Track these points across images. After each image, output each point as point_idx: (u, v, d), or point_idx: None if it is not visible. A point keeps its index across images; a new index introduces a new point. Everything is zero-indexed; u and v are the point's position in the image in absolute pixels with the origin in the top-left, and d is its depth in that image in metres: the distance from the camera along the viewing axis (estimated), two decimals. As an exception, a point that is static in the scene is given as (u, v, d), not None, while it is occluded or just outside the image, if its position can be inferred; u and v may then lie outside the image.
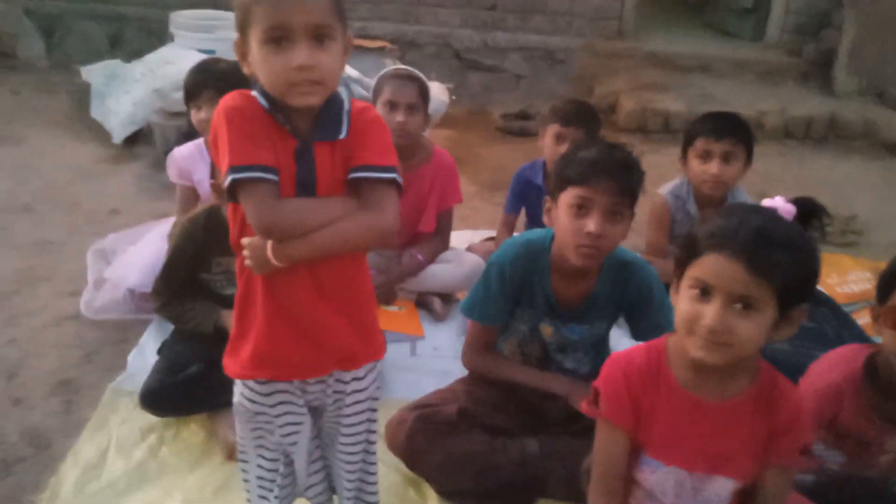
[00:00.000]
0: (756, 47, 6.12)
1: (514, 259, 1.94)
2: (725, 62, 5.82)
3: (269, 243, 1.29)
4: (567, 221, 1.81)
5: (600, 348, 2.10)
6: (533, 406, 2.06)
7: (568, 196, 1.81)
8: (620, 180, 1.76)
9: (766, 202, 1.33)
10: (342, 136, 1.33)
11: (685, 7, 7.59)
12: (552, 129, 2.73)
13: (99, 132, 4.31)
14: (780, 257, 1.20)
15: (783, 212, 1.31)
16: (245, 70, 1.32)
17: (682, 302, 1.29)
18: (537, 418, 2.06)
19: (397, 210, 1.34)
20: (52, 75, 5.35)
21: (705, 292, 1.25)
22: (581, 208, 1.78)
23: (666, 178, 2.91)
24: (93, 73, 4.61)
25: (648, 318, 1.96)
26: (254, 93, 1.32)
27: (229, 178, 1.25)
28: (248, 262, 1.34)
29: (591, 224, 1.76)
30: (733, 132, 2.52)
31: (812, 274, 1.27)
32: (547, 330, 2.03)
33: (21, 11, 5.52)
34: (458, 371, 2.28)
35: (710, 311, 1.23)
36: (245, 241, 1.34)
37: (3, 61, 5.48)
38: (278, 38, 1.23)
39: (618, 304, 1.99)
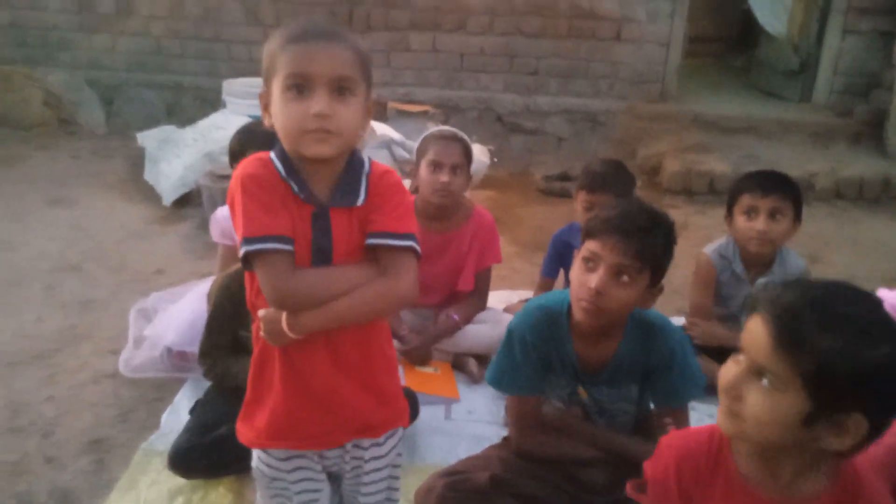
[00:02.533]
0: (804, 108, 6.04)
1: (533, 325, 1.87)
2: (772, 123, 5.75)
3: (285, 315, 1.27)
4: (576, 274, 1.77)
5: (644, 413, 2.01)
6: (571, 473, 1.97)
7: (582, 249, 1.77)
8: (633, 240, 1.68)
9: (884, 294, 1.19)
10: (359, 203, 1.32)
11: (729, 70, 7.58)
12: (580, 195, 2.71)
13: (150, 194, 4.44)
14: (814, 336, 1.04)
15: (890, 307, 1.15)
16: (266, 122, 1.32)
17: (729, 364, 1.18)
18: (575, 486, 1.96)
19: (415, 277, 1.32)
20: (110, 141, 5.58)
21: (741, 357, 1.15)
22: (589, 262, 1.74)
23: (712, 240, 2.83)
24: (147, 139, 4.79)
25: (666, 382, 1.86)
26: (272, 155, 1.32)
27: (243, 249, 1.24)
28: (263, 333, 1.32)
29: (594, 280, 1.70)
30: (780, 188, 2.45)
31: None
32: (584, 393, 1.96)
33: (83, 81, 5.81)
34: (494, 436, 2.22)
35: (731, 370, 1.14)
36: (260, 312, 1.33)
37: (65, 128, 5.74)
38: (300, 86, 1.24)
39: (643, 367, 1.90)
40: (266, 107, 1.32)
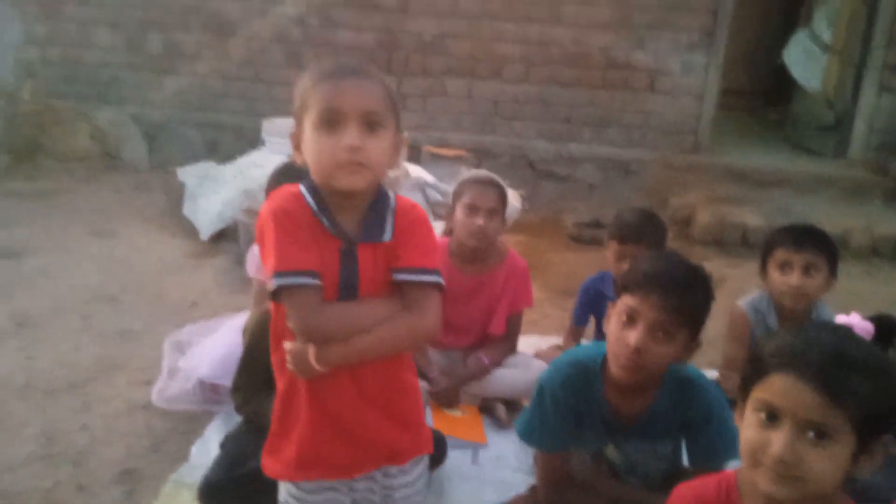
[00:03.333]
0: (838, 164, 6.01)
1: (564, 381, 1.86)
2: (806, 177, 5.73)
3: (312, 348, 1.30)
4: (614, 330, 1.76)
5: (676, 470, 1.98)
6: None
7: (620, 304, 1.76)
8: (673, 297, 1.67)
9: (841, 318, 1.23)
10: (386, 239, 1.35)
11: (763, 123, 7.59)
12: (612, 245, 2.72)
13: (188, 229, 4.54)
14: (858, 381, 1.08)
15: (860, 330, 1.20)
16: (298, 160, 1.37)
17: (747, 428, 1.17)
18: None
19: (439, 312, 1.35)
20: (151, 176, 5.72)
21: (772, 417, 1.13)
22: (629, 319, 1.72)
23: (744, 293, 2.82)
24: (188, 174, 4.91)
25: (704, 440, 1.84)
26: (302, 189, 1.35)
27: (274, 283, 1.28)
28: (290, 366, 1.35)
29: (633, 337, 1.69)
30: (815, 243, 2.44)
31: (893, 400, 1.13)
32: (612, 453, 1.94)
33: (129, 118, 5.99)
34: (521, 483, 2.20)
35: (777, 439, 1.11)
36: (287, 345, 1.35)
37: (109, 162, 5.91)
38: (331, 121, 1.28)
39: (679, 422, 1.88)
40: (297, 146, 1.36)
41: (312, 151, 1.30)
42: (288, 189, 1.36)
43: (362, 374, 1.37)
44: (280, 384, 1.42)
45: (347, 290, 1.33)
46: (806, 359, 1.11)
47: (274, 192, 1.36)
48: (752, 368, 1.19)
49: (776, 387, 1.13)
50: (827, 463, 1.10)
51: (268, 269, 1.30)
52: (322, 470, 1.42)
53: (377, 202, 1.36)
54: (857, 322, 1.20)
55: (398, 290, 1.36)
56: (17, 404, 2.66)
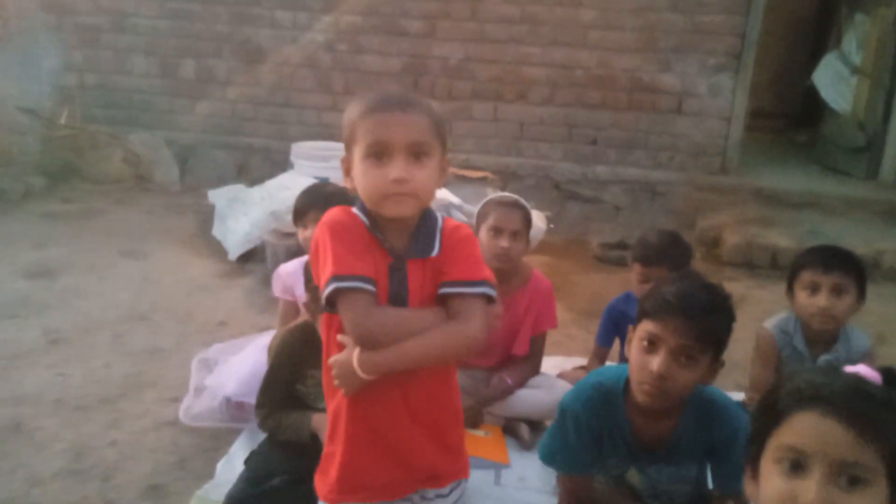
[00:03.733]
0: (870, 185, 5.93)
1: (586, 404, 1.85)
2: (837, 199, 5.65)
3: (356, 354, 1.32)
4: (636, 356, 1.75)
5: (701, 493, 1.96)
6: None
7: (640, 329, 1.75)
8: (695, 322, 1.65)
9: (848, 369, 1.18)
10: (434, 253, 1.38)
11: (792, 145, 7.52)
12: (636, 267, 2.71)
13: (217, 250, 4.61)
14: (886, 415, 1.00)
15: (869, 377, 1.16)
16: (348, 184, 1.42)
17: (770, 482, 1.04)
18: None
19: (484, 321, 1.36)
20: (182, 198, 5.83)
21: (797, 466, 1.01)
22: (651, 344, 1.70)
23: (773, 314, 2.78)
24: (218, 196, 4.99)
25: (730, 464, 1.80)
26: (354, 209, 1.40)
27: (331, 287, 1.31)
28: (335, 378, 1.37)
29: (656, 363, 1.67)
30: (843, 265, 2.40)
31: None
32: (634, 477, 1.92)
33: (162, 141, 6.12)
34: (544, 505, 2.19)
35: (808, 489, 0.98)
36: (332, 359, 1.38)
37: (142, 184, 6.04)
38: (379, 153, 1.33)
39: (704, 445, 1.85)
40: (347, 171, 1.41)
41: (361, 181, 1.36)
42: (342, 207, 1.42)
43: (414, 394, 1.40)
44: (330, 405, 1.44)
45: (396, 302, 1.37)
46: (830, 393, 1.03)
47: (331, 209, 1.42)
48: (767, 415, 1.08)
49: (800, 427, 1.02)
50: None
51: (324, 277, 1.33)
52: (363, 493, 1.44)
53: (425, 221, 1.41)
54: (863, 370, 1.15)
55: (446, 305, 1.39)
56: (48, 420, 2.71)
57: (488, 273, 1.41)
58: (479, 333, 1.34)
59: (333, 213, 1.40)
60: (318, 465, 1.50)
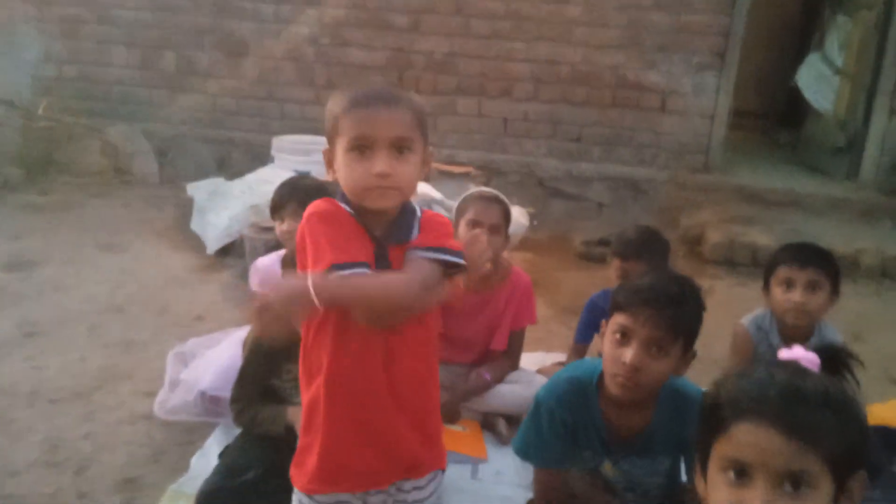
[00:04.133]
0: (850, 186, 5.98)
1: (561, 397, 1.86)
2: (817, 199, 5.70)
3: (311, 279, 1.30)
4: (609, 349, 1.76)
5: (675, 486, 1.96)
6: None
7: (612, 323, 1.76)
8: (665, 313, 1.67)
9: (784, 353, 1.15)
10: (413, 238, 1.40)
11: (774, 144, 7.57)
12: (614, 262, 2.72)
13: (196, 243, 4.57)
14: (824, 417, 1.00)
15: (806, 362, 1.12)
16: (330, 176, 1.42)
17: (717, 491, 1.06)
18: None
19: (425, 277, 1.35)
20: (161, 191, 5.78)
21: (742, 474, 1.03)
22: (623, 336, 1.72)
23: (753, 312, 2.79)
24: (197, 189, 4.95)
25: None
26: (338, 200, 1.42)
27: (334, 276, 1.31)
28: (280, 304, 1.30)
29: (628, 355, 1.69)
30: (818, 261, 2.43)
31: (861, 432, 1.05)
32: (609, 470, 1.93)
33: (140, 134, 6.06)
34: (520, 499, 2.19)
35: (754, 499, 1.00)
36: (287, 282, 1.35)
37: (120, 177, 5.97)
38: (362, 147, 1.33)
39: (677, 439, 1.86)
40: (330, 163, 1.42)
41: (344, 174, 1.36)
42: (324, 199, 1.42)
43: (399, 379, 1.40)
44: (305, 396, 1.43)
45: None
46: (765, 402, 1.03)
47: (316, 200, 1.42)
48: (710, 421, 1.09)
49: (740, 438, 1.03)
50: None
51: (321, 265, 1.31)
52: (342, 483, 1.43)
53: (404, 210, 1.42)
54: (801, 355, 1.13)
55: None
56: (23, 411, 2.68)
57: (453, 244, 1.41)
58: (413, 285, 1.32)
59: (319, 204, 1.40)
60: (294, 457, 1.48)
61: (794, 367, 1.11)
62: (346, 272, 1.30)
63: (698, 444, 1.12)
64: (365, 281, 1.33)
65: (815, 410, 1.02)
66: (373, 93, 1.35)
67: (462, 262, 1.39)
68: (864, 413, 1.07)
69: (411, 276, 1.34)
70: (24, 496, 2.22)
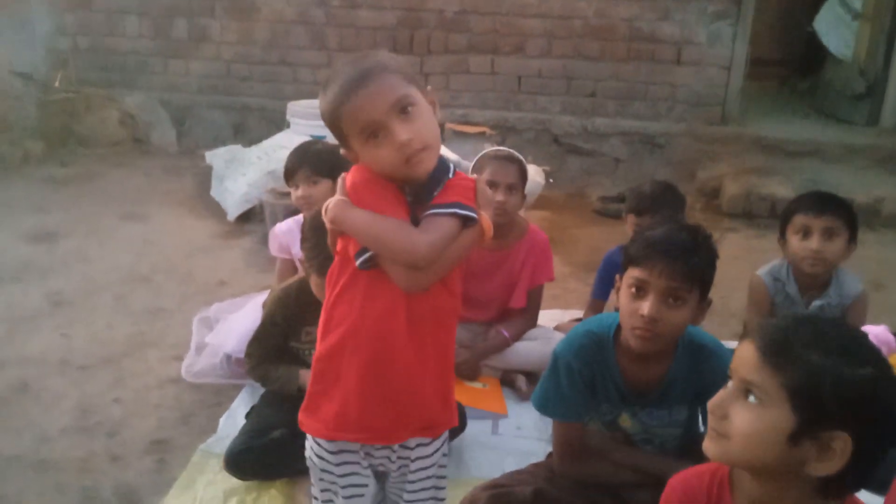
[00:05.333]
0: (870, 132, 5.88)
1: (578, 351, 1.88)
2: (837, 147, 5.61)
3: (333, 200, 1.37)
4: (625, 303, 1.77)
5: (692, 436, 1.99)
6: (618, 493, 1.97)
7: (627, 277, 1.77)
8: (679, 263, 1.68)
9: (869, 328, 1.21)
10: (433, 198, 1.39)
11: (793, 93, 7.44)
12: (630, 218, 2.72)
13: (216, 210, 4.62)
14: (797, 350, 1.09)
15: (876, 338, 1.19)
16: (351, 157, 1.42)
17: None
18: (621, 505, 1.96)
19: (439, 237, 1.34)
20: (180, 160, 5.82)
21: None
22: (639, 290, 1.73)
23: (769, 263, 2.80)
24: (215, 157, 4.98)
25: None
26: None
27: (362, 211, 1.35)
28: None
29: (646, 307, 1.70)
30: (834, 208, 2.41)
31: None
32: (626, 421, 1.96)
33: (157, 103, 6.09)
34: (541, 452, 2.23)
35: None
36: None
37: (139, 147, 6.03)
38: (374, 132, 1.32)
39: (694, 390, 1.88)
40: (356, 158, 1.41)
41: (375, 162, 1.36)
42: (357, 167, 1.41)
43: (422, 345, 1.41)
44: (321, 346, 1.46)
45: None
46: (765, 328, 1.16)
47: (355, 167, 1.42)
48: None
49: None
50: (749, 422, 1.12)
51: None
52: (360, 433, 1.46)
53: (437, 169, 1.40)
54: (878, 331, 1.18)
55: None
56: (53, 379, 2.76)
57: (467, 201, 1.39)
58: (421, 245, 1.31)
59: (355, 173, 1.39)
60: (303, 405, 1.51)
61: (824, 318, 1.22)
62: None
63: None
64: (376, 223, 1.33)
65: (794, 345, 1.10)
66: (348, 79, 1.32)
67: (473, 215, 1.38)
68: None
69: (423, 236, 1.33)
70: (58, 461, 2.31)
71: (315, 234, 2.04)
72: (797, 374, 1.08)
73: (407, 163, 1.32)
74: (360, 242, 1.36)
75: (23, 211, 4.54)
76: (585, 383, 1.89)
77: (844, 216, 2.41)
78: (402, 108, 1.32)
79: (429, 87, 1.44)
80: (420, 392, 1.44)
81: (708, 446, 1.18)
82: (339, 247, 1.43)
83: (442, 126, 5.36)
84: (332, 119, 1.35)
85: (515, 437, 2.51)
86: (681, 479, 1.34)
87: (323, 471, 1.51)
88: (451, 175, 1.42)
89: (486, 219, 1.41)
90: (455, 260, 1.39)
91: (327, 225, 1.39)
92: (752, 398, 1.12)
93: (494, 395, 2.71)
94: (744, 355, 1.14)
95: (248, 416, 2.34)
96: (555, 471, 1.99)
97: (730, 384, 1.17)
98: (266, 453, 2.15)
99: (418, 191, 1.38)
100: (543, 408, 1.97)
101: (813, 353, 1.08)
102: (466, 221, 1.38)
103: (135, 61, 6.27)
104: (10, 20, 6.10)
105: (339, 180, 1.41)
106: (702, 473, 1.31)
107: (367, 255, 1.35)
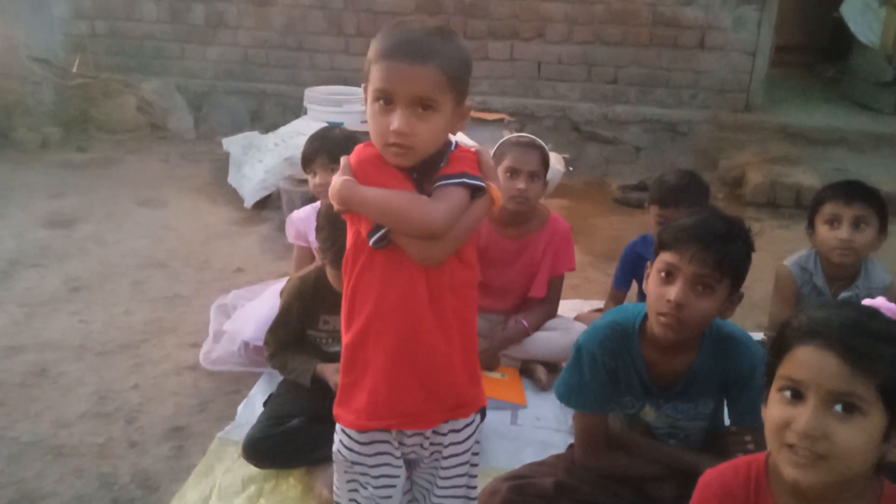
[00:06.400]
0: (898, 120, 5.77)
1: (602, 342, 1.84)
2: (864, 135, 5.50)
3: (339, 181, 1.34)
4: (653, 287, 1.73)
5: (715, 427, 1.95)
6: (639, 485, 1.93)
7: (658, 261, 1.73)
8: (712, 250, 1.64)
9: (867, 302, 1.18)
10: (439, 171, 1.38)
11: (818, 80, 7.31)
12: (653, 209, 2.66)
13: (233, 197, 4.61)
14: (883, 349, 1.05)
15: (887, 311, 1.14)
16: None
17: (772, 408, 1.13)
18: (643, 499, 1.92)
19: (451, 206, 1.32)
20: (197, 146, 5.82)
21: (797, 394, 1.09)
22: (668, 275, 1.69)
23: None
24: (232, 144, 4.97)
25: (747, 399, 1.79)
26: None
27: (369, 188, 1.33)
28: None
29: (673, 292, 1.66)
30: (864, 197, 2.35)
31: None
32: (650, 414, 1.92)
33: (174, 88, 6.08)
34: (561, 443, 2.20)
35: (802, 413, 1.06)
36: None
37: (156, 133, 6.03)
38: (384, 100, 1.30)
39: (720, 381, 1.84)
40: (366, 100, 1.39)
41: (369, 123, 1.35)
42: (363, 144, 1.40)
43: (444, 322, 1.39)
44: (346, 338, 1.44)
45: None
46: (828, 328, 1.08)
47: (359, 146, 1.41)
48: (776, 349, 1.15)
49: (799, 360, 1.10)
50: (855, 437, 1.05)
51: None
52: (391, 419, 1.44)
53: (439, 149, 1.38)
54: (883, 304, 1.15)
55: None
56: (72, 365, 2.76)
57: (472, 170, 1.38)
58: (437, 214, 1.30)
59: (359, 151, 1.38)
60: (336, 398, 1.49)
61: (868, 308, 1.15)
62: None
63: (766, 371, 1.18)
64: (388, 197, 1.32)
65: (875, 341, 1.06)
66: (403, 42, 1.28)
67: (481, 184, 1.36)
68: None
69: (435, 206, 1.31)
70: (76, 446, 2.31)
71: (329, 225, 2.02)
72: (886, 370, 1.05)
73: (385, 147, 1.32)
74: (373, 219, 1.33)
75: (41, 196, 4.55)
76: (608, 374, 1.85)
77: (875, 205, 2.35)
78: (423, 104, 1.30)
79: (468, 103, 1.40)
80: (448, 369, 1.42)
81: (801, 474, 1.08)
82: (350, 234, 1.41)
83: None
84: (370, 58, 1.33)
85: (535, 428, 2.48)
86: (717, 473, 1.30)
87: (354, 463, 1.49)
88: (453, 148, 1.41)
89: (494, 188, 1.39)
90: (468, 230, 1.37)
91: (335, 206, 1.37)
92: (838, 408, 1.05)
93: (514, 386, 2.68)
94: (821, 365, 1.06)
95: (266, 403, 2.33)
96: (576, 462, 1.96)
97: (808, 400, 1.08)
98: (284, 441, 2.13)
99: (423, 166, 1.36)
100: (566, 398, 1.94)
101: (888, 345, 1.06)
102: (475, 191, 1.37)
103: (152, 46, 6.26)
104: (28, 4, 6.11)
105: (343, 160, 1.39)
106: (737, 466, 1.28)
107: (381, 233, 1.33)
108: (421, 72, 1.28)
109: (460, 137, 4.55)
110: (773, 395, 1.14)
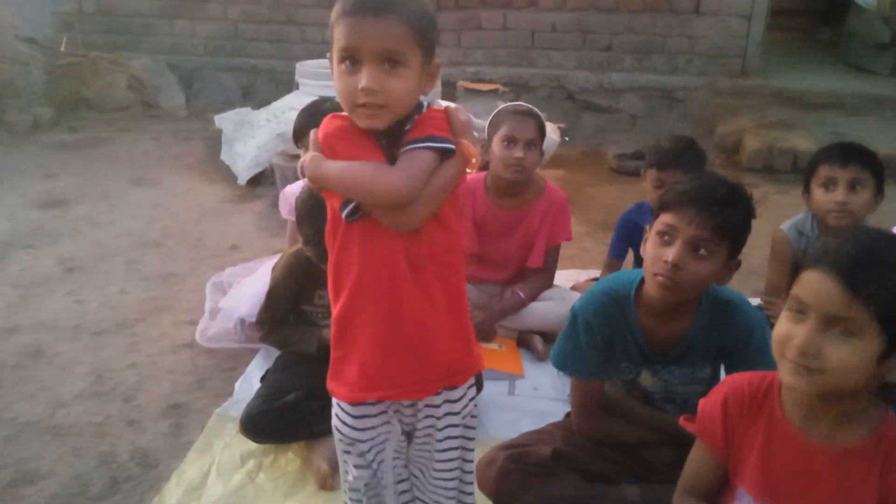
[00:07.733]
0: (895, 83, 5.71)
1: (598, 308, 1.83)
2: (861, 98, 5.47)
3: (306, 158, 1.32)
4: (651, 249, 1.71)
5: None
6: (636, 452, 1.94)
7: (657, 223, 1.71)
8: (711, 213, 1.62)
9: None
10: (405, 135, 1.33)
11: (815, 44, 7.24)
12: (650, 173, 2.64)
13: (226, 174, 4.58)
14: (886, 277, 1.08)
15: None
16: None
17: (779, 324, 1.21)
18: (640, 465, 1.93)
19: (416, 172, 1.28)
20: (189, 123, 5.77)
21: (801, 312, 1.17)
22: (666, 236, 1.68)
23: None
24: (224, 121, 4.92)
25: (745, 364, 1.75)
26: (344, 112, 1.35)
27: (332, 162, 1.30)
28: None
29: (670, 253, 1.65)
30: (860, 159, 2.32)
31: None
32: (647, 380, 1.91)
33: (165, 66, 6.02)
34: (559, 412, 2.20)
35: (801, 332, 1.15)
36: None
37: (148, 111, 5.97)
38: (352, 59, 1.26)
39: (718, 346, 1.83)
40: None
41: (336, 87, 1.30)
42: (333, 115, 1.36)
43: (429, 289, 1.37)
44: (334, 311, 1.42)
45: None
46: (836, 255, 1.13)
47: (328, 117, 1.36)
48: (792, 272, 1.23)
49: (805, 282, 1.17)
50: (847, 357, 1.12)
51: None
52: (385, 390, 1.42)
53: (411, 114, 1.34)
54: None
55: None
56: (68, 345, 2.76)
57: (439, 132, 1.32)
58: (399, 182, 1.26)
59: (328, 122, 1.34)
60: (328, 373, 1.48)
61: (888, 235, 1.20)
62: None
63: (785, 293, 1.25)
64: (358, 167, 1.28)
65: (880, 270, 1.11)
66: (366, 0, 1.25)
67: (448, 146, 1.32)
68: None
69: (397, 172, 1.27)
70: (74, 426, 2.31)
71: (307, 216, 2.02)
72: (887, 300, 1.09)
73: (356, 108, 1.26)
74: (340, 194, 1.31)
75: (33, 177, 4.52)
76: (604, 341, 1.84)
77: (871, 167, 2.32)
78: (391, 60, 1.25)
79: (437, 60, 1.36)
80: (436, 337, 1.40)
81: (798, 382, 1.18)
82: (329, 210, 1.38)
83: (453, 84, 5.26)
84: (333, 20, 1.29)
85: (532, 398, 2.48)
86: (736, 376, 1.39)
87: (351, 437, 1.48)
88: (423, 110, 1.36)
89: (466, 145, 1.34)
90: (441, 193, 1.32)
91: (307, 183, 1.35)
92: (837, 331, 1.13)
93: (511, 356, 2.68)
94: (821, 288, 1.13)
95: (263, 379, 2.32)
96: (573, 430, 1.96)
97: (805, 316, 1.16)
98: (282, 416, 2.13)
99: (390, 132, 1.32)
100: (562, 366, 1.93)
101: (893, 274, 1.10)
102: (445, 153, 1.32)
103: (140, 23, 6.18)
104: (15, -17, 6.02)
105: (311, 135, 1.35)
106: (755, 375, 1.37)
107: (351, 206, 1.30)
108: (385, 24, 1.24)
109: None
110: (783, 313, 1.23)
